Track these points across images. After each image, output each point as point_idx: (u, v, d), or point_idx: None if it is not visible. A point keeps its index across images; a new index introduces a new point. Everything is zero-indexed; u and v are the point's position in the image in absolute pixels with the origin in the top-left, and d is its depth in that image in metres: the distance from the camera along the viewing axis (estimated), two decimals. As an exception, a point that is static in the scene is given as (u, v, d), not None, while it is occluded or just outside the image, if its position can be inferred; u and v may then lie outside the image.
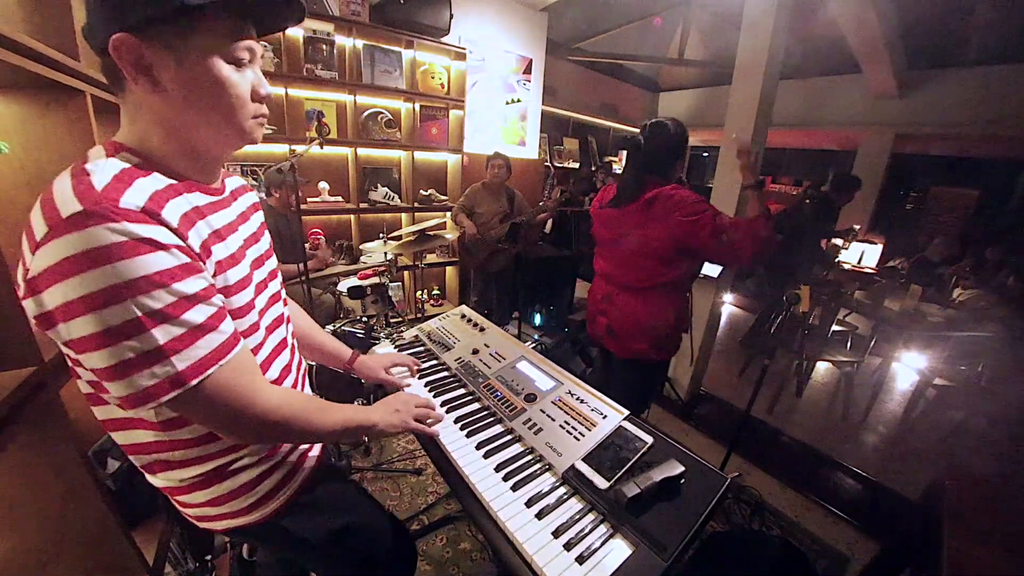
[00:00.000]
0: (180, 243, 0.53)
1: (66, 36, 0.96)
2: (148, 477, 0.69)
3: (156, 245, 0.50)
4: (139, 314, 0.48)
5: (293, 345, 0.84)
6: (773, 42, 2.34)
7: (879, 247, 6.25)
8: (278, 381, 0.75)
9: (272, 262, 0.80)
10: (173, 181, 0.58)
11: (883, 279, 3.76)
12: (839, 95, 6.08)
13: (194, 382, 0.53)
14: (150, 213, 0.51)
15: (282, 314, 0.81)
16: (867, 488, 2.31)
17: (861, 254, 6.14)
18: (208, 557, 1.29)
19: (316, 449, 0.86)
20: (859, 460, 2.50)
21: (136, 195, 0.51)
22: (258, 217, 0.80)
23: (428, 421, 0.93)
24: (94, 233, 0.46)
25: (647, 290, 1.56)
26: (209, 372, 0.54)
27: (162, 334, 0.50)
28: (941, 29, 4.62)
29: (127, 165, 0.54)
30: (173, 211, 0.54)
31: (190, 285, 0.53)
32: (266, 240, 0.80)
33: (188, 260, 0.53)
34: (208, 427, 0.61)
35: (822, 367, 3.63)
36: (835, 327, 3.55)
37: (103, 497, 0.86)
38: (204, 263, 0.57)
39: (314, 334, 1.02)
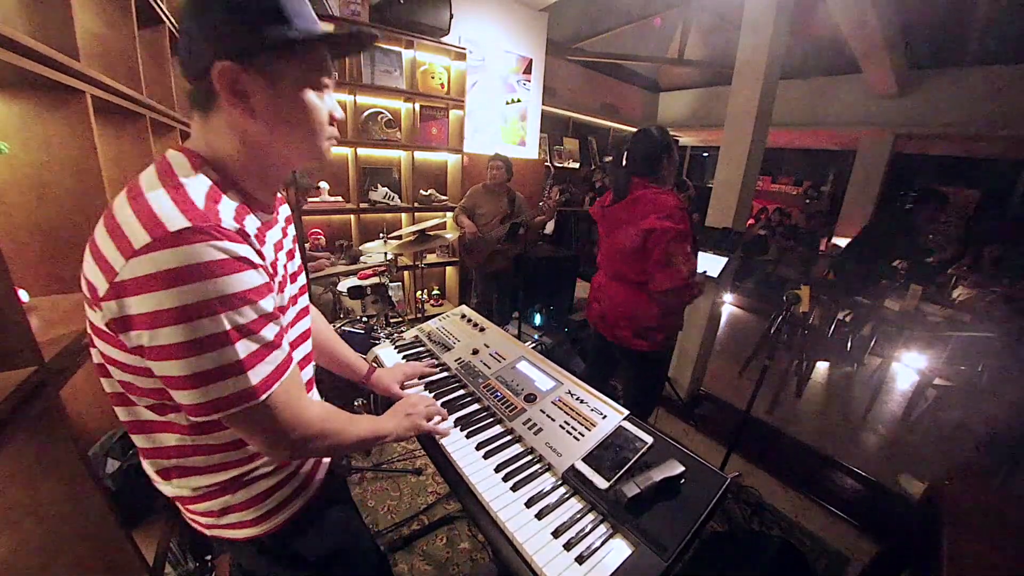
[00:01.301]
0: (263, 263, 0.57)
1: (66, 36, 0.95)
2: (160, 484, 0.69)
3: (250, 264, 0.53)
4: (228, 328, 0.51)
5: (309, 355, 0.84)
6: (773, 42, 2.34)
7: (879, 247, 6.24)
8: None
9: (302, 277, 0.81)
10: (243, 200, 0.61)
11: (883, 279, 3.75)
12: (839, 95, 6.08)
13: (263, 397, 0.55)
14: (242, 234, 0.54)
15: (308, 328, 0.82)
16: (867, 488, 2.31)
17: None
18: (208, 557, 1.29)
19: (324, 465, 0.86)
20: (859, 460, 2.50)
21: (229, 215, 0.54)
22: (291, 231, 0.80)
23: (437, 421, 0.94)
24: (199, 249, 0.49)
25: (635, 283, 1.64)
26: (274, 388, 0.57)
27: (243, 349, 0.53)
28: (941, 29, 4.62)
29: (211, 182, 0.56)
30: (252, 230, 0.57)
31: (270, 303, 0.57)
32: (298, 255, 0.81)
33: (268, 279, 0.57)
34: (253, 442, 0.61)
35: (822, 367, 3.63)
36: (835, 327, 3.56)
37: (103, 497, 0.86)
38: (274, 281, 0.60)
39: (335, 345, 1.03)
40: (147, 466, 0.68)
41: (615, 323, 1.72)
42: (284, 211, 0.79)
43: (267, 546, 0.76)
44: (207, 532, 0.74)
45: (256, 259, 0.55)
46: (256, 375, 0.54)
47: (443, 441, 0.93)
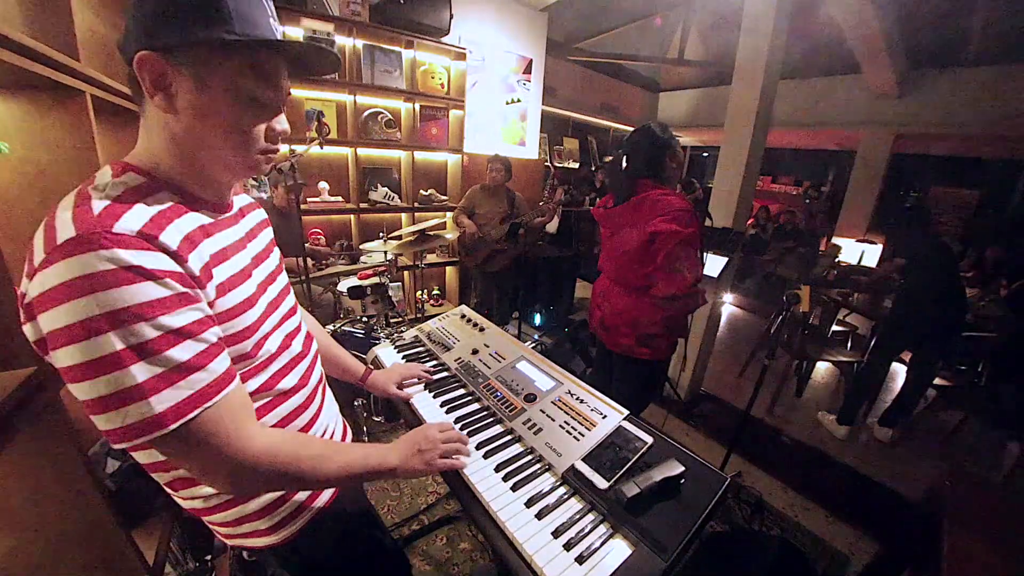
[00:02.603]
0: (176, 269, 0.51)
1: (66, 36, 0.95)
2: (176, 497, 0.67)
3: (144, 274, 0.47)
4: (118, 348, 0.46)
5: (314, 358, 0.82)
6: (773, 42, 2.34)
7: (879, 247, 6.26)
8: (292, 392, 0.72)
9: (283, 278, 0.78)
10: (179, 200, 0.57)
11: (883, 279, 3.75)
12: (839, 95, 6.08)
13: (173, 426, 0.49)
14: (147, 237, 0.49)
15: (298, 327, 0.79)
16: (867, 488, 2.31)
17: (861, 254, 6.15)
18: (208, 557, 1.29)
19: None
20: (859, 460, 2.50)
21: (134, 219, 0.49)
22: (267, 235, 0.78)
23: (457, 456, 0.85)
24: (83, 260, 0.45)
25: (638, 288, 1.59)
26: (191, 416, 0.50)
27: (141, 371, 0.47)
28: (941, 29, 4.62)
29: (133, 184, 0.53)
30: (175, 233, 0.53)
31: (178, 318, 0.50)
32: (275, 257, 0.78)
33: (182, 290, 0.51)
34: (188, 471, 0.57)
35: (822, 367, 3.63)
36: (835, 327, 3.56)
37: (103, 497, 0.86)
38: (204, 288, 0.55)
39: (330, 348, 1.02)
40: (157, 479, 0.66)
41: (616, 330, 1.67)
42: (257, 216, 0.77)
43: (287, 557, 0.74)
44: (228, 543, 0.74)
45: (160, 266, 0.49)
46: (161, 402, 0.48)
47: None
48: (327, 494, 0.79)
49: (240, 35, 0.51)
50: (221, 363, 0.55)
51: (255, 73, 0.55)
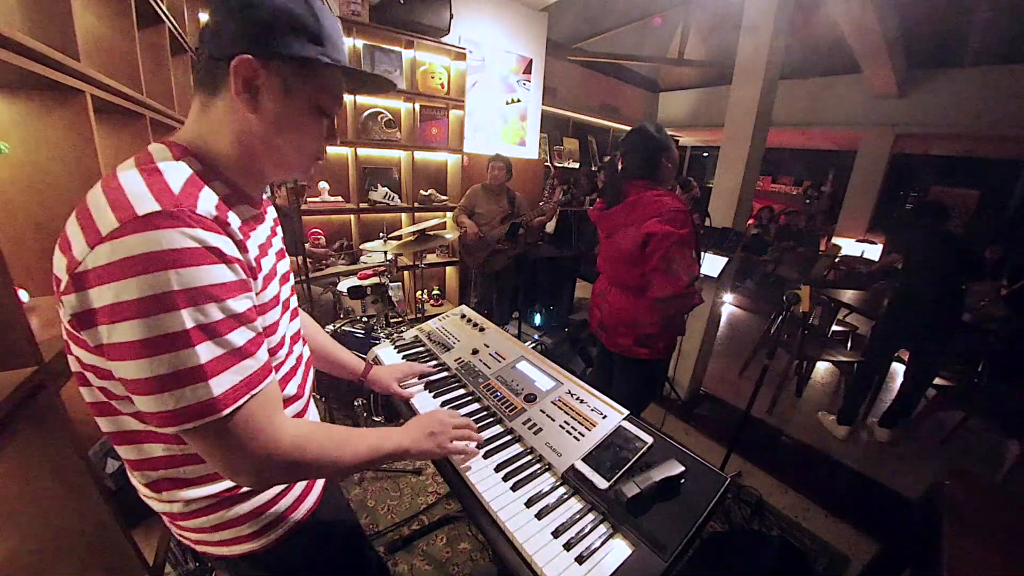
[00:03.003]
0: (240, 257, 0.53)
1: (66, 36, 0.95)
2: (149, 499, 0.65)
3: (221, 257, 0.49)
4: (189, 326, 0.46)
5: (308, 366, 0.83)
6: (773, 42, 2.34)
7: (879, 247, 6.26)
8: (295, 398, 0.73)
9: (292, 279, 0.79)
10: (231, 191, 0.59)
11: (883, 279, 3.75)
12: (839, 95, 6.08)
13: (226, 411, 0.49)
14: (220, 223, 0.51)
15: (299, 329, 0.80)
16: (867, 488, 2.31)
17: (861, 253, 6.15)
18: (208, 557, 1.29)
19: (320, 479, 0.83)
20: (859, 460, 2.50)
21: (208, 202, 0.51)
22: (279, 231, 0.79)
23: (469, 444, 0.85)
24: (168, 235, 0.45)
25: (635, 289, 1.60)
26: (241, 402, 0.51)
27: (206, 352, 0.47)
28: (941, 29, 4.62)
29: (197, 169, 0.54)
30: (237, 221, 0.55)
31: (241, 303, 0.52)
32: (287, 257, 0.79)
33: (244, 277, 0.53)
34: (213, 462, 0.54)
35: (822, 367, 3.63)
36: (835, 327, 3.56)
37: (103, 497, 0.86)
38: (255, 279, 0.57)
39: (329, 348, 1.02)
40: (135, 479, 0.64)
41: (615, 330, 1.68)
42: (272, 212, 0.78)
43: (262, 560, 0.72)
44: (196, 548, 0.71)
45: (232, 252, 0.51)
46: (219, 385, 0.48)
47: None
48: (309, 502, 0.77)
49: (332, 60, 0.58)
50: (264, 352, 0.56)
51: (330, 91, 0.61)
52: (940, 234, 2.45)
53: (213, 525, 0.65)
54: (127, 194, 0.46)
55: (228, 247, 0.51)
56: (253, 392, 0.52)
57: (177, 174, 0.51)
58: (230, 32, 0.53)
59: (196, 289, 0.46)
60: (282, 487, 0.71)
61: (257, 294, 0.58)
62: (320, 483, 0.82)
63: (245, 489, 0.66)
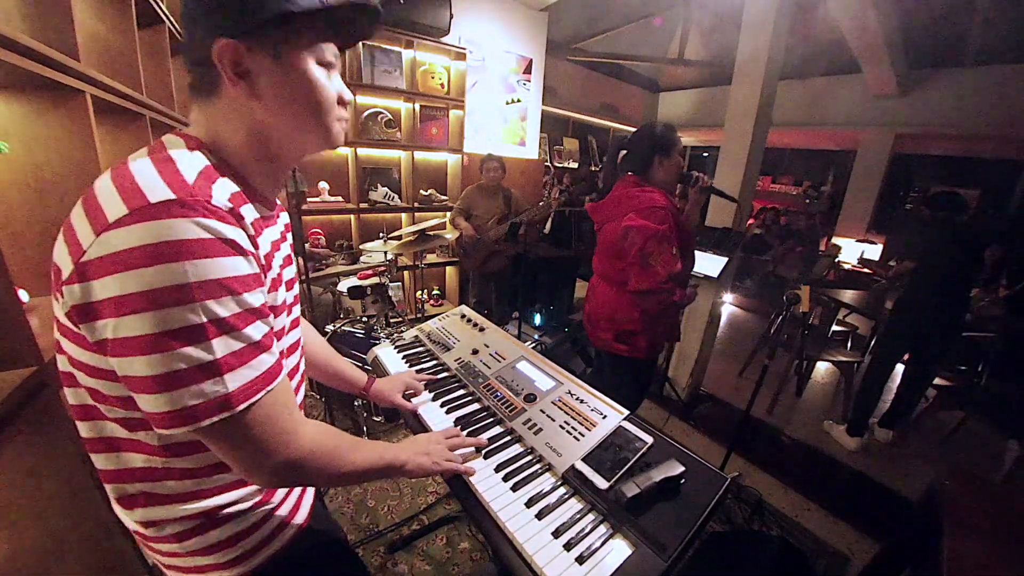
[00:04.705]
0: (254, 251, 0.51)
1: (66, 36, 0.95)
2: (122, 514, 0.60)
3: (238, 249, 0.47)
4: (204, 320, 0.44)
5: (302, 378, 0.80)
6: (773, 42, 2.34)
7: (879, 247, 6.26)
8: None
9: (297, 287, 0.77)
10: (242, 189, 0.56)
11: (883, 279, 3.75)
12: (839, 95, 6.08)
13: (240, 407, 0.47)
14: (235, 215, 0.49)
15: (299, 339, 0.77)
16: (867, 488, 2.31)
17: (861, 253, 6.15)
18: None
19: (309, 499, 0.79)
20: (859, 460, 2.50)
21: (223, 193, 0.49)
22: (289, 237, 0.76)
23: (461, 451, 0.85)
24: (181, 225, 0.43)
25: (617, 282, 1.61)
26: (257, 397, 0.49)
27: (221, 347, 0.45)
28: (941, 29, 4.62)
29: (207, 162, 0.52)
30: (250, 216, 0.53)
31: (256, 297, 0.50)
32: (294, 263, 0.77)
33: (258, 271, 0.51)
34: (230, 462, 0.52)
35: (822, 367, 3.63)
36: (835, 327, 3.56)
37: (103, 497, 0.86)
38: (266, 276, 0.55)
39: (332, 360, 1.00)
40: (109, 491, 0.59)
41: (598, 324, 1.69)
42: (284, 218, 0.76)
43: None
44: (166, 572, 0.65)
45: (248, 245, 0.49)
46: (235, 380, 0.47)
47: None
48: (292, 529, 0.71)
49: (305, 6, 0.51)
50: (278, 348, 0.54)
51: (317, 39, 0.55)
52: (956, 226, 2.32)
53: (187, 551, 0.60)
54: (138, 182, 0.44)
55: (243, 240, 0.49)
56: (270, 387, 0.51)
57: (192, 164, 0.49)
58: (200, 27, 0.51)
59: (213, 281, 0.44)
60: (266, 510, 0.66)
61: (269, 292, 0.57)
62: (308, 502, 0.77)
63: (226, 510, 0.60)
